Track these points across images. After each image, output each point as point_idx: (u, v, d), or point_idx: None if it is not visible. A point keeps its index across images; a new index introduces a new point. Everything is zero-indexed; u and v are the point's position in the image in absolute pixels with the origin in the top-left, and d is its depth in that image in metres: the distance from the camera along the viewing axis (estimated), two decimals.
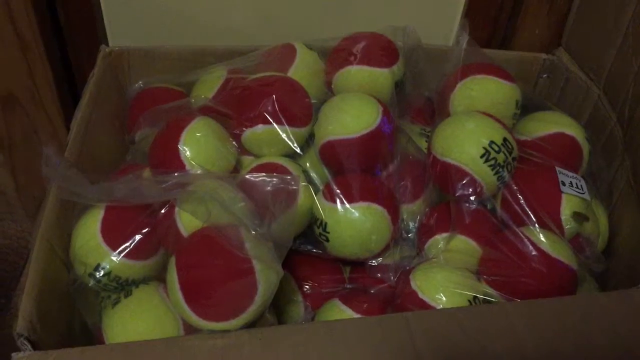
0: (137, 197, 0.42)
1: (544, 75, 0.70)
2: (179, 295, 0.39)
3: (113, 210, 0.44)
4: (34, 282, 0.39)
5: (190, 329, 0.42)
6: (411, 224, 0.53)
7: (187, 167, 0.48)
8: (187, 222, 0.43)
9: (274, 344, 0.37)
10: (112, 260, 0.43)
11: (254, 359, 0.36)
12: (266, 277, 0.39)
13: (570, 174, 0.48)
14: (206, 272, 0.39)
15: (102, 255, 0.43)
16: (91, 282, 0.44)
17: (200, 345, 0.36)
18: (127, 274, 0.44)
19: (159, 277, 0.46)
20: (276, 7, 0.68)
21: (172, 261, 0.40)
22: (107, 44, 0.66)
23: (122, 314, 0.43)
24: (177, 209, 0.43)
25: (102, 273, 0.43)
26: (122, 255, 0.43)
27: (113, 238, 0.43)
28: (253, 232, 0.41)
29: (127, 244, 0.43)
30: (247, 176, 0.50)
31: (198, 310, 0.39)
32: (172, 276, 0.39)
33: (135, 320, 0.42)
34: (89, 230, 0.44)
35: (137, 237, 0.44)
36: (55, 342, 0.39)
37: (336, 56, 0.59)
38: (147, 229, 0.44)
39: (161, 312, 0.43)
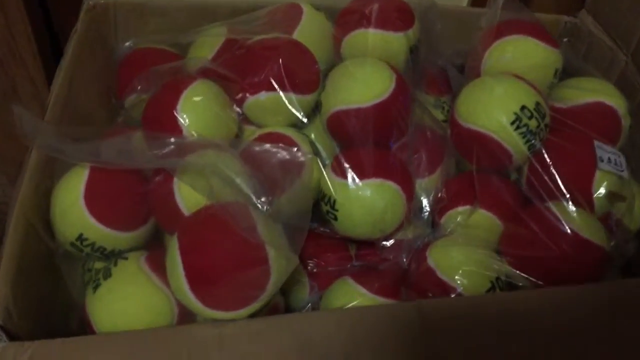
0: (127, 160, 0.38)
1: (565, 40, 0.65)
2: (182, 282, 0.35)
3: (99, 173, 0.40)
4: (10, 264, 0.35)
5: (184, 311, 0.38)
6: (425, 201, 0.50)
7: (185, 134, 0.44)
8: (187, 196, 0.39)
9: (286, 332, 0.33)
10: (97, 231, 0.39)
11: (268, 348, 0.33)
12: (279, 264, 0.36)
13: (609, 148, 0.45)
14: (216, 259, 0.35)
15: (84, 224, 0.39)
16: (73, 251, 0.40)
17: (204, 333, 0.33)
18: (113, 245, 0.40)
19: (144, 246, 0.42)
20: None
21: (174, 243, 0.36)
22: None
23: (105, 299, 0.39)
24: (175, 180, 0.40)
25: (85, 243, 0.39)
26: (108, 225, 0.39)
27: (98, 205, 0.39)
28: (264, 213, 0.37)
29: (114, 213, 0.40)
30: (250, 145, 0.47)
31: (205, 299, 0.35)
32: (175, 260, 0.35)
33: (121, 305, 0.38)
34: (71, 194, 0.40)
35: (125, 205, 0.40)
36: (34, 330, 0.36)
37: (346, 18, 0.54)
38: (137, 197, 0.41)
39: (150, 293, 0.39)
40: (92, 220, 0.39)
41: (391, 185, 0.46)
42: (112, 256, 0.41)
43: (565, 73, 0.52)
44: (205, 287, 0.35)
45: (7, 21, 0.61)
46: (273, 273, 0.35)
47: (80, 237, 0.39)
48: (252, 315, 0.36)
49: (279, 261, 0.36)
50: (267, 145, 0.46)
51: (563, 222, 0.42)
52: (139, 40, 0.59)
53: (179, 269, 0.35)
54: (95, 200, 0.39)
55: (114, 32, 0.59)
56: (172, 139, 0.42)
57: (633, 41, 0.58)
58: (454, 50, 0.60)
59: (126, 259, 0.40)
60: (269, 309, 0.38)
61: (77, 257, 0.41)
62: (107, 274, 0.39)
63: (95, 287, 0.39)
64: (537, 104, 0.45)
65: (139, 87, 0.51)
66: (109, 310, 0.38)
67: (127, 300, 0.38)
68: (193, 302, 0.35)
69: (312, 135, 0.51)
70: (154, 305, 0.38)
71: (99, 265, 0.42)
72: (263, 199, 0.38)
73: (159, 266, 0.39)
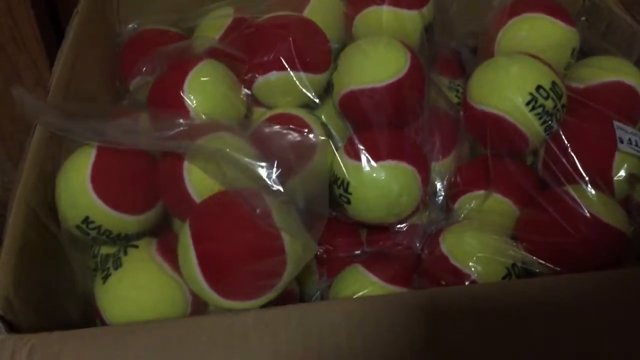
0: (135, 140, 0.37)
1: (582, 19, 0.62)
2: (196, 271, 0.34)
3: (106, 154, 0.39)
4: (10, 253, 0.34)
5: (198, 300, 0.38)
6: (439, 185, 0.49)
7: (192, 115, 0.43)
8: (197, 181, 0.38)
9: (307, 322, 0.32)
10: (104, 213, 0.38)
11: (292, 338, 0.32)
12: (295, 251, 0.35)
13: (630, 129, 0.43)
14: (231, 247, 0.34)
15: (91, 206, 0.38)
16: (78, 234, 0.39)
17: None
18: (119, 229, 0.39)
19: (152, 231, 0.41)
20: None
21: (186, 231, 0.35)
22: None
23: (116, 290, 0.38)
24: (185, 164, 0.38)
25: (90, 227, 0.38)
26: (115, 208, 0.38)
27: (105, 188, 0.38)
28: (278, 198, 0.36)
29: (122, 196, 0.39)
30: (260, 127, 0.46)
31: (220, 288, 0.34)
32: (188, 249, 0.34)
33: (133, 295, 0.37)
34: (77, 175, 0.38)
35: (134, 188, 0.39)
36: (36, 320, 0.35)
37: None
38: (145, 180, 0.39)
39: (163, 283, 0.38)
40: (99, 203, 0.38)
41: (407, 168, 0.44)
42: (119, 240, 0.40)
43: (583, 53, 0.50)
44: (219, 276, 0.34)
45: (9, 5, 0.60)
46: (289, 261, 0.35)
47: (86, 220, 0.38)
48: (265, 305, 0.35)
49: (295, 249, 0.35)
50: (278, 127, 0.45)
51: (582, 206, 0.40)
52: (143, 21, 0.58)
53: (191, 258, 0.34)
54: (102, 182, 0.38)
55: (117, 13, 0.58)
56: (181, 120, 0.41)
57: None
58: (467, 32, 0.58)
59: (137, 247, 0.39)
60: (283, 296, 0.37)
61: (82, 242, 0.41)
62: (118, 264, 0.38)
63: (106, 278, 0.38)
64: (554, 83, 0.43)
65: (144, 69, 0.50)
66: (121, 301, 0.37)
67: (139, 290, 0.37)
68: (207, 291, 0.34)
69: (323, 117, 0.50)
70: (168, 295, 0.37)
71: (106, 250, 0.41)
72: (276, 183, 0.37)
73: (170, 255, 0.38)
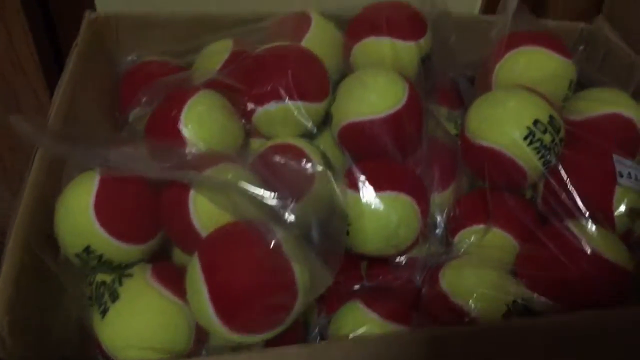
0: (141, 168, 0.37)
1: (581, 48, 0.63)
2: (207, 304, 0.33)
3: (109, 182, 0.38)
4: (5, 285, 0.33)
5: (200, 329, 0.37)
6: (439, 217, 0.48)
7: (190, 146, 0.43)
8: (202, 213, 0.38)
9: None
10: (106, 243, 0.37)
11: None
12: (305, 283, 0.35)
13: (629, 162, 0.43)
14: (245, 280, 0.34)
15: (94, 235, 0.37)
16: (77, 262, 0.38)
17: None
18: (120, 258, 0.39)
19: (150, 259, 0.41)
20: None
21: (196, 263, 0.35)
22: (93, 9, 0.59)
23: (116, 324, 0.37)
24: (191, 195, 0.38)
25: (91, 256, 0.38)
26: (118, 238, 0.37)
27: (109, 217, 0.37)
28: (288, 229, 0.36)
29: (125, 225, 0.38)
30: (260, 157, 0.46)
31: (231, 322, 0.34)
32: (197, 281, 0.34)
33: (134, 326, 0.36)
34: (80, 202, 0.38)
35: (137, 216, 0.39)
36: (31, 356, 0.34)
37: (356, 27, 0.53)
38: (149, 209, 0.39)
39: (164, 308, 0.37)
40: (102, 232, 0.37)
41: (406, 199, 0.44)
42: (118, 269, 0.39)
43: (580, 84, 0.50)
44: (232, 310, 0.33)
45: (9, 33, 0.60)
46: (300, 294, 0.34)
47: (87, 249, 0.37)
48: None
49: (306, 281, 0.35)
50: (276, 157, 0.44)
51: (583, 241, 0.40)
52: (143, 53, 0.58)
53: (202, 290, 0.34)
54: (105, 210, 0.37)
55: (117, 45, 0.58)
56: (183, 151, 0.41)
57: None
58: (466, 62, 0.58)
59: (131, 275, 0.39)
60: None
61: (79, 270, 0.40)
62: (115, 296, 0.38)
63: (104, 312, 0.37)
64: (551, 117, 0.43)
65: (143, 100, 0.49)
66: (122, 333, 0.36)
67: (140, 320, 0.37)
68: (217, 325, 0.34)
69: (322, 147, 0.50)
70: (170, 321, 0.37)
71: (101, 277, 0.40)
72: (289, 215, 0.36)
73: (168, 278, 0.38)
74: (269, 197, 0.36)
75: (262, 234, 0.34)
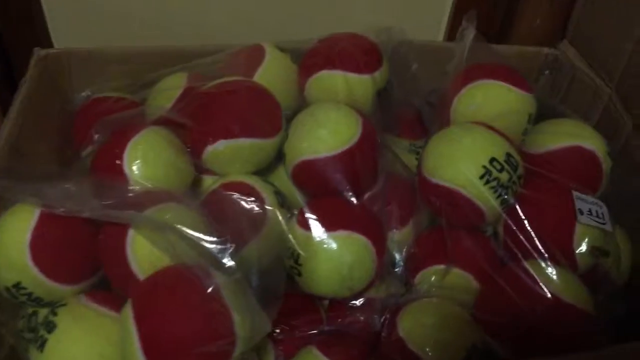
0: (78, 206, 0.36)
1: (546, 72, 0.62)
2: (138, 355, 0.32)
3: (49, 219, 0.37)
4: None
5: None
6: (397, 256, 0.47)
7: (133, 185, 0.41)
8: (140, 255, 0.36)
9: None
10: (38, 281, 0.36)
11: None
12: (245, 331, 0.33)
13: (590, 199, 0.41)
14: (179, 329, 0.32)
15: (26, 273, 0.36)
16: (6, 296, 0.37)
17: None
18: (51, 297, 0.38)
19: None
20: (247, 3, 0.60)
21: (128, 310, 0.33)
22: (50, 46, 0.58)
23: (58, 352, 0.35)
24: (129, 236, 0.36)
25: (21, 292, 0.37)
26: (51, 278, 0.37)
27: (44, 256, 0.36)
28: (230, 275, 0.34)
29: (60, 266, 0.37)
30: (210, 196, 0.45)
31: None
32: (129, 330, 0.32)
33: (79, 347, 0.35)
34: (16, 237, 0.37)
35: (74, 257, 0.38)
36: None
37: (310, 60, 0.51)
38: (87, 250, 0.38)
39: (107, 324, 0.36)
40: (35, 271, 0.36)
41: (360, 238, 0.43)
42: (48, 305, 0.38)
43: (542, 115, 0.49)
44: None
45: None
46: (239, 342, 0.33)
47: (17, 285, 0.36)
48: None
49: (245, 329, 0.33)
50: (228, 196, 0.44)
51: (541, 284, 0.38)
52: (97, 88, 0.57)
53: (133, 339, 0.32)
54: (42, 248, 0.36)
55: (69, 81, 0.56)
56: (127, 188, 0.40)
57: (617, 72, 0.54)
58: (432, 89, 0.57)
59: (65, 305, 0.37)
60: None
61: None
62: (51, 327, 0.36)
63: (42, 345, 0.35)
64: (508, 155, 0.41)
65: (95, 137, 0.48)
66: (68, 357, 0.35)
67: (84, 342, 0.35)
68: None
69: (277, 183, 0.48)
70: (116, 337, 0.35)
71: (33, 309, 0.39)
72: (229, 260, 0.35)
73: (104, 300, 0.37)
74: (208, 241, 0.35)
75: (199, 280, 0.33)
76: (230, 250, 0.35)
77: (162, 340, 0.32)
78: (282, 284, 0.39)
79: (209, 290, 0.33)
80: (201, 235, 0.35)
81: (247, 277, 0.36)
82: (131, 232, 0.36)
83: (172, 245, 0.35)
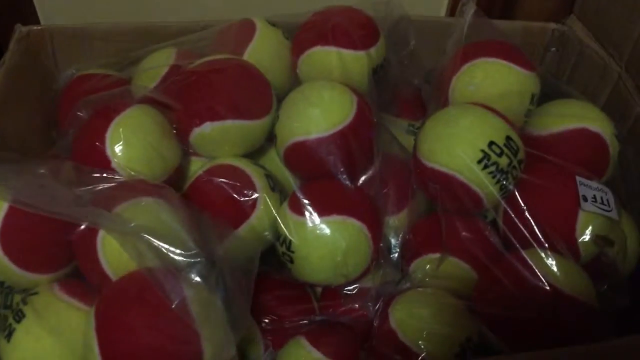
0: (47, 204, 0.34)
1: (552, 49, 0.59)
2: None
3: (18, 209, 0.35)
4: None
5: None
6: (393, 241, 0.45)
7: (115, 168, 0.40)
8: (112, 255, 0.35)
9: None
10: (9, 270, 0.35)
11: None
12: (212, 347, 0.31)
13: (595, 184, 0.39)
14: (141, 345, 0.30)
15: None
16: None
17: None
18: (24, 285, 0.37)
19: None
20: None
21: (91, 320, 0.32)
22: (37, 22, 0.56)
23: (25, 343, 0.34)
24: (100, 235, 0.35)
25: None
26: (23, 267, 0.35)
27: (14, 245, 0.35)
28: (196, 280, 0.33)
29: (32, 255, 0.36)
30: (197, 181, 0.43)
31: None
32: (91, 343, 0.31)
33: (48, 341, 0.34)
34: None
35: (46, 247, 0.36)
36: None
37: (303, 35, 0.49)
38: (61, 241, 0.36)
39: (77, 318, 0.34)
40: (6, 261, 0.35)
41: (355, 223, 0.41)
42: (21, 293, 0.37)
43: (547, 95, 0.46)
44: None
45: None
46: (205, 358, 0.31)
47: None
48: None
49: (212, 345, 0.31)
50: (215, 181, 0.42)
51: (540, 275, 0.36)
52: (82, 66, 0.55)
53: (95, 355, 0.31)
54: (11, 238, 0.35)
55: (53, 59, 0.54)
56: (102, 177, 0.38)
57: (627, 49, 0.51)
58: (431, 67, 0.54)
59: (37, 293, 0.36)
60: None
61: None
62: (20, 316, 0.35)
63: (10, 335, 0.34)
64: (508, 138, 0.39)
65: (79, 116, 0.46)
66: (35, 353, 0.34)
67: (53, 335, 0.34)
68: None
69: (268, 166, 0.46)
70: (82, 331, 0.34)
71: (1, 299, 0.38)
72: (194, 273, 0.33)
73: (77, 291, 0.36)
74: (177, 254, 0.33)
75: (167, 289, 0.31)
76: (200, 265, 0.33)
77: (122, 354, 0.31)
78: (254, 264, 0.37)
79: (175, 303, 0.31)
80: (170, 247, 0.33)
81: (221, 275, 0.34)
82: (101, 233, 0.35)
83: (140, 252, 0.34)
